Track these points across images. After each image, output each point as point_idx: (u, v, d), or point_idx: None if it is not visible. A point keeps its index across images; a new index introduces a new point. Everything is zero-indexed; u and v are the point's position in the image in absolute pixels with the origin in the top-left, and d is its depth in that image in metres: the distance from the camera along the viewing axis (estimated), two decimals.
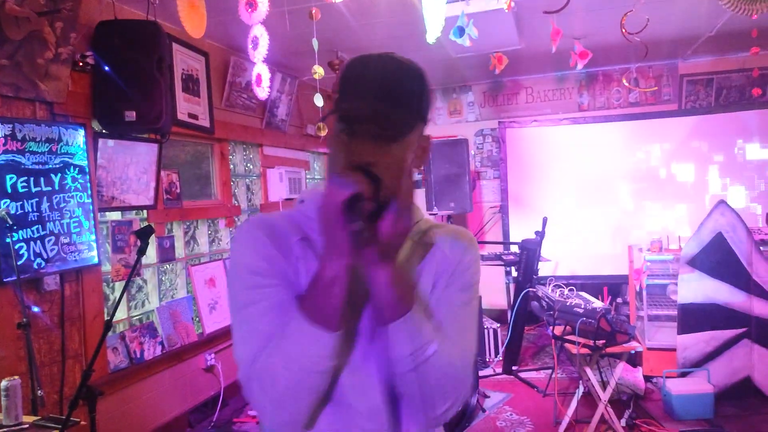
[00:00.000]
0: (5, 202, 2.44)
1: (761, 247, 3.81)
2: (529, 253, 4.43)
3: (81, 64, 2.84)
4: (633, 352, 3.27)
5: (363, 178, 0.82)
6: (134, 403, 3.18)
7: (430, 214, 5.01)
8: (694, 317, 3.80)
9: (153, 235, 3.02)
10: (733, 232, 3.77)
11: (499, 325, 4.80)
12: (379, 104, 0.87)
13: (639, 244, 4.34)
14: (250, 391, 0.89)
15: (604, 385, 3.30)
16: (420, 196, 5.40)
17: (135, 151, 3.25)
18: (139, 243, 2.09)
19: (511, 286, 4.99)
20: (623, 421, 3.38)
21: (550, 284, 3.77)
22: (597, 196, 5.42)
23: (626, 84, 4.83)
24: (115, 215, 3.23)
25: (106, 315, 3.02)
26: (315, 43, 2.87)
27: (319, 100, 3.11)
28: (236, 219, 4.42)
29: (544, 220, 4.60)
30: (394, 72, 0.90)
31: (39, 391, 2.25)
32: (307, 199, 1.02)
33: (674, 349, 3.85)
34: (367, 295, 0.92)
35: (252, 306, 0.91)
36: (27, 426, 2.03)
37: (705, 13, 3.84)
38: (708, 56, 5.28)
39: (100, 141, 3.02)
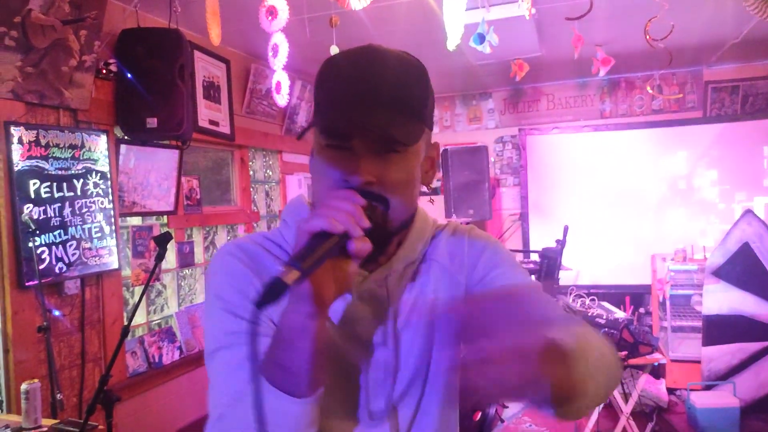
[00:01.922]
0: (28, 207, 2.48)
1: None
2: (550, 262, 4.37)
3: (104, 71, 2.88)
4: (656, 363, 3.21)
5: (362, 200, 0.66)
6: (152, 407, 3.19)
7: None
8: (719, 329, 3.71)
9: (172, 241, 3.04)
10: (760, 242, 3.68)
11: None
12: (376, 110, 0.71)
13: (662, 254, 4.26)
14: None
15: (626, 397, 3.23)
16: (439, 203, 5.37)
17: (156, 157, 3.28)
18: (158, 249, 2.10)
19: None
20: None
21: (571, 294, 3.72)
22: (619, 205, 5.34)
23: (650, 91, 4.76)
24: (136, 220, 3.27)
25: (125, 319, 3.04)
26: (334, 50, 2.87)
27: None
28: (255, 225, 4.43)
29: (566, 229, 4.54)
30: (391, 69, 0.74)
31: (58, 395, 2.27)
32: (290, 221, 0.86)
33: (699, 361, 3.77)
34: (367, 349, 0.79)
35: (227, 350, 0.76)
36: (46, 429, 2.05)
37: (731, 19, 3.77)
38: (733, 63, 5.18)
39: (122, 147, 3.05)
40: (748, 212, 3.75)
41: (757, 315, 3.65)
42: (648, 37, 3.00)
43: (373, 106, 0.72)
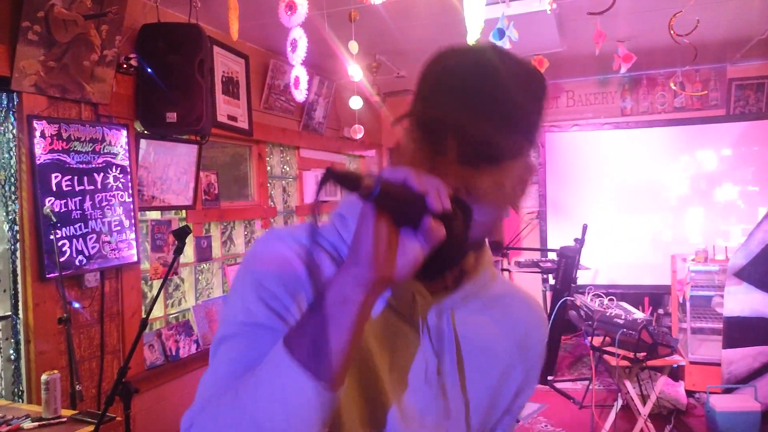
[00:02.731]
0: (50, 200, 2.51)
1: None
2: (568, 261, 4.34)
3: (125, 66, 2.90)
4: (675, 365, 3.16)
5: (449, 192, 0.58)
6: (169, 399, 3.23)
7: None
8: (740, 331, 3.64)
9: (190, 235, 3.06)
10: None
11: None
12: (482, 114, 0.65)
13: (682, 254, 4.20)
14: None
15: (644, 398, 3.19)
16: None
17: (175, 151, 3.31)
18: (176, 242, 2.11)
19: (548, 294, 4.89)
20: None
21: (589, 293, 3.68)
22: (639, 204, 5.27)
23: (674, 87, 4.67)
24: (155, 214, 3.29)
25: (143, 312, 3.07)
26: (353, 45, 2.87)
27: (355, 103, 3.10)
28: (272, 220, 4.45)
29: (584, 227, 4.49)
30: (511, 74, 0.67)
31: (78, 386, 2.30)
32: (351, 219, 0.73)
33: (719, 364, 3.70)
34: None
35: (246, 338, 0.66)
36: (65, 420, 2.08)
37: (757, 15, 3.69)
38: (759, 60, 5.07)
39: (142, 141, 3.08)
40: None
41: None
42: (673, 32, 2.95)
43: (480, 109, 0.65)
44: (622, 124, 5.45)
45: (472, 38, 2.70)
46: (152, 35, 2.96)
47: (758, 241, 3.65)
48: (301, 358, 0.57)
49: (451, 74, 0.68)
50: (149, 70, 2.92)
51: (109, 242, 2.80)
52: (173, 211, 3.43)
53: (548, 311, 4.52)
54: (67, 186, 2.60)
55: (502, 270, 5.32)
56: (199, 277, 3.75)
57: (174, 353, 3.27)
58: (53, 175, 2.54)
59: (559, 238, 5.13)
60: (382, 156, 6.50)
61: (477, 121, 0.64)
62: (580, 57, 4.67)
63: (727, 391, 3.59)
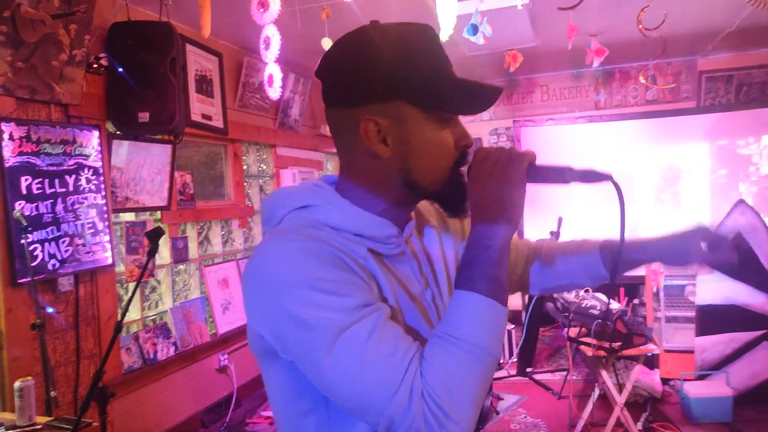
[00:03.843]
0: (20, 204, 2.46)
1: None
2: None
3: (95, 65, 2.86)
4: (650, 354, 3.22)
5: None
6: (148, 403, 3.19)
7: None
8: (713, 319, 3.72)
9: (165, 236, 3.02)
10: (753, 232, 3.69)
11: (513, 326, 4.75)
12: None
13: None
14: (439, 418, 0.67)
15: (620, 387, 3.24)
16: None
17: (149, 152, 3.27)
18: (150, 244, 2.09)
19: None
20: (640, 425, 3.33)
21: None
22: (613, 195, 5.33)
23: (644, 81, 4.75)
24: (129, 216, 3.25)
25: (119, 315, 3.03)
26: (326, 42, 2.86)
27: None
28: (250, 220, 4.42)
29: (560, 220, 4.54)
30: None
31: (53, 392, 2.27)
32: (322, 202, 0.82)
33: (692, 352, 3.78)
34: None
35: (360, 324, 0.70)
36: (40, 427, 2.04)
37: (725, 9, 3.76)
38: (728, 52, 5.18)
39: (114, 142, 3.03)
40: (741, 202, 3.75)
41: (750, 305, 3.66)
42: (641, 26, 2.99)
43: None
44: (595, 117, 5.52)
45: (445, 34, 2.71)
46: (122, 34, 2.91)
47: (728, 230, 3.73)
48: (491, 295, 0.74)
49: (441, 54, 0.82)
50: (120, 69, 2.88)
51: (83, 245, 2.76)
52: (148, 213, 3.39)
53: (526, 304, 4.57)
54: (37, 189, 2.55)
55: None
56: (176, 279, 3.71)
57: (152, 356, 3.23)
58: (23, 178, 2.49)
59: (536, 231, 5.18)
60: None
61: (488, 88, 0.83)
62: (553, 52, 4.72)
63: (701, 377, 3.67)
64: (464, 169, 0.85)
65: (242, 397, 3.96)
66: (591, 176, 0.83)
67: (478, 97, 0.81)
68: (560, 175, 0.82)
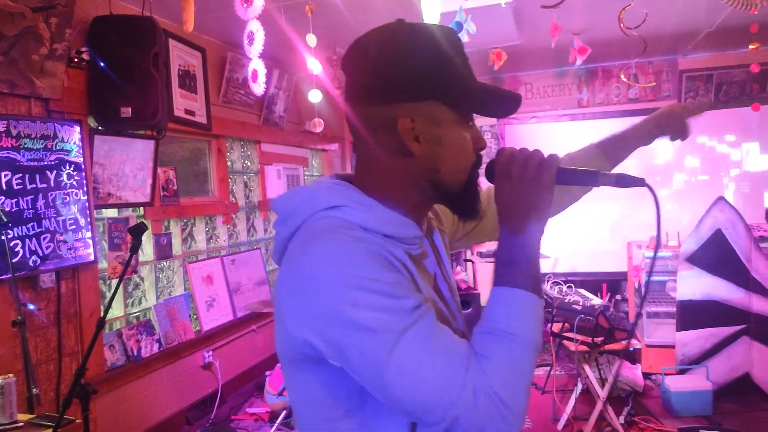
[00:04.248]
0: (0, 200, 2.43)
1: (760, 244, 3.80)
2: None
3: (76, 60, 2.83)
4: (632, 349, 3.27)
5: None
6: (132, 400, 3.17)
7: None
8: (693, 314, 3.79)
9: (148, 232, 2.99)
10: (732, 228, 3.76)
11: None
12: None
13: (638, 241, 4.33)
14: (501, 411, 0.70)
15: (602, 382, 3.29)
16: None
17: (131, 147, 3.24)
18: (132, 240, 2.07)
19: None
20: (622, 418, 3.38)
21: (548, 281, 3.76)
22: (596, 193, 5.37)
23: (624, 80, 4.81)
24: (112, 212, 3.22)
25: (102, 312, 3.01)
26: (311, 38, 2.85)
27: (314, 97, 3.09)
28: (234, 216, 4.40)
29: None
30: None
31: (34, 389, 2.24)
32: (351, 202, 0.81)
33: (673, 346, 3.84)
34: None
35: (418, 326, 0.71)
36: (21, 424, 2.02)
37: (704, 8, 3.81)
38: (708, 52, 5.25)
39: (96, 137, 3.00)
40: (721, 199, 3.82)
41: (729, 300, 3.73)
42: (622, 25, 3.03)
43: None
44: (578, 115, 5.57)
45: None
46: (104, 28, 2.88)
47: (708, 228, 3.79)
48: (535, 290, 0.78)
49: (461, 51, 0.82)
50: (102, 64, 2.85)
51: (65, 241, 2.73)
52: (131, 209, 3.36)
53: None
54: (18, 184, 2.52)
55: (465, 261, 5.39)
56: (160, 276, 3.69)
57: (135, 353, 3.21)
58: (3, 174, 2.46)
59: None
60: (345, 149, 6.49)
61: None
62: (537, 50, 4.75)
63: (681, 372, 3.74)
64: (481, 169, 0.88)
65: (227, 394, 3.94)
66: (625, 181, 0.87)
67: (507, 101, 0.85)
68: (592, 178, 0.85)
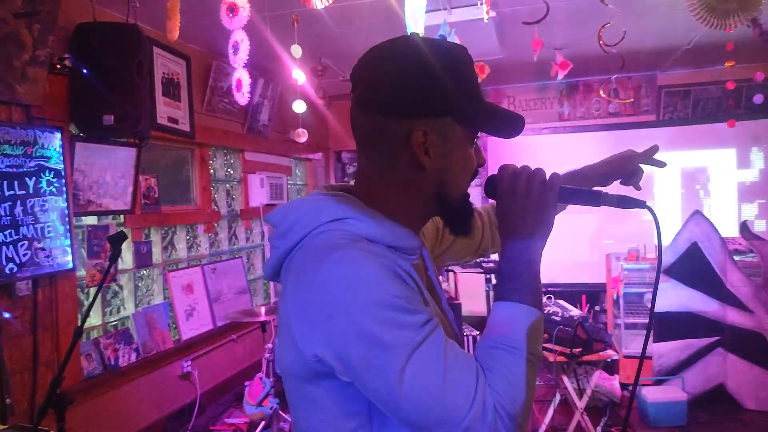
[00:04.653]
0: None
1: (735, 257, 3.88)
2: None
3: (59, 66, 2.81)
4: (609, 360, 3.31)
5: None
6: (109, 410, 3.13)
7: None
8: (669, 325, 3.84)
9: (128, 240, 2.97)
10: (708, 241, 3.83)
11: (478, 332, 4.80)
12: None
13: (617, 253, 4.39)
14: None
15: (580, 392, 3.32)
16: None
17: (113, 155, 3.22)
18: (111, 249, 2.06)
19: (491, 294, 5.01)
20: (599, 429, 3.41)
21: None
22: (576, 206, 5.47)
23: (603, 95, 4.90)
24: (92, 220, 3.19)
25: (79, 321, 2.97)
26: (296, 49, 2.87)
27: (298, 107, 3.10)
28: (216, 225, 4.38)
29: None
30: None
31: (8, 399, 2.21)
32: (360, 215, 0.81)
33: (650, 357, 3.90)
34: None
35: (430, 341, 0.72)
36: None
37: (682, 27, 3.91)
38: (685, 68, 5.37)
39: (78, 144, 2.98)
40: (697, 213, 3.90)
41: (704, 312, 3.80)
42: (602, 42, 3.09)
43: None
44: (559, 128, 5.65)
45: None
46: (88, 35, 2.87)
47: (684, 240, 3.87)
48: (538, 305, 0.81)
49: (473, 70, 0.85)
50: (85, 70, 2.84)
51: (42, 249, 2.70)
52: (111, 216, 3.33)
53: (489, 309, 4.63)
54: None
55: (447, 271, 5.41)
56: (139, 284, 3.65)
57: (113, 362, 3.17)
58: None
59: None
60: (329, 159, 6.50)
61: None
62: (519, 64, 4.82)
63: (658, 382, 3.78)
64: (478, 183, 0.91)
65: (206, 404, 3.91)
66: (626, 202, 0.90)
67: (514, 123, 0.88)
68: (595, 198, 0.88)
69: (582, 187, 0.91)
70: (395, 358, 0.69)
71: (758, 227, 5.03)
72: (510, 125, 0.88)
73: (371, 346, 0.70)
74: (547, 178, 0.86)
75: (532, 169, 0.87)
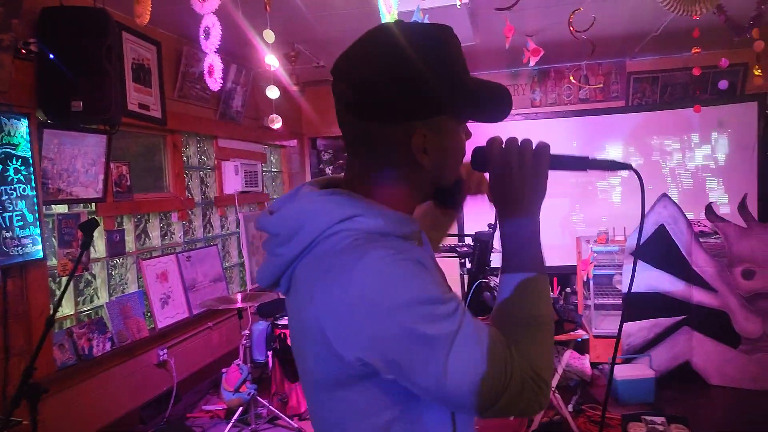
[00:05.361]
0: None
1: (700, 239, 4.00)
2: (483, 245, 4.51)
3: (24, 51, 2.74)
4: (580, 339, 3.39)
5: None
6: (84, 400, 3.11)
7: None
8: (637, 306, 3.96)
9: (100, 228, 2.94)
10: (675, 224, 3.94)
11: None
12: None
13: (587, 236, 4.49)
14: (541, 391, 0.77)
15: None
16: None
17: (83, 142, 3.16)
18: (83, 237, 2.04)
19: (465, 278, 5.08)
20: (571, 407, 3.50)
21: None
22: (548, 189, 5.55)
23: (573, 81, 4.97)
24: (62, 208, 3.14)
25: (51, 311, 2.93)
26: (268, 33, 2.85)
27: (271, 93, 3.08)
28: (190, 212, 4.35)
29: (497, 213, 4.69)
30: None
31: None
32: (370, 209, 0.80)
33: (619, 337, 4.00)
34: None
35: (465, 326, 0.74)
36: None
37: (650, 13, 3.98)
38: (654, 55, 5.47)
39: (46, 132, 2.92)
40: (664, 196, 4.00)
41: (671, 292, 3.92)
42: (572, 28, 3.14)
43: None
44: (531, 114, 5.72)
45: None
46: (54, 19, 2.80)
47: (652, 223, 3.97)
48: (541, 271, 0.86)
49: (462, 55, 0.83)
50: (51, 56, 2.77)
51: (12, 238, 2.65)
52: (82, 205, 3.28)
53: (465, 294, 4.70)
54: None
55: None
56: (113, 273, 3.61)
57: (87, 352, 3.15)
58: None
59: (475, 224, 5.33)
60: (304, 146, 6.47)
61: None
62: (491, 50, 4.86)
63: (626, 361, 3.90)
64: (467, 159, 0.91)
65: (182, 392, 3.90)
66: (612, 165, 0.93)
67: (503, 104, 0.87)
68: (582, 163, 0.90)
69: (567, 154, 0.92)
70: (439, 350, 0.71)
71: (723, 209, 5.18)
72: (499, 108, 0.87)
73: (416, 343, 0.71)
74: (534, 147, 0.87)
75: (519, 140, 0.87)
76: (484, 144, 0.90)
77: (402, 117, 0.80)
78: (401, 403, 0.80)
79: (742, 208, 3.92)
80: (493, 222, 4.65)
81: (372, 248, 0.74)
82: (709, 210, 3.98)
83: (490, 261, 4.53)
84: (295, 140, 6.22)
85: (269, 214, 0.85)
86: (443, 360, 0.71)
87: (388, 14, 2.76)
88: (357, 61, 0.81)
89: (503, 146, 0.88)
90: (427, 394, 0.75)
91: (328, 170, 6.59)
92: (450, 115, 0.83)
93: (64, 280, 3.10)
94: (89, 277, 3.44)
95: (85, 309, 3.38)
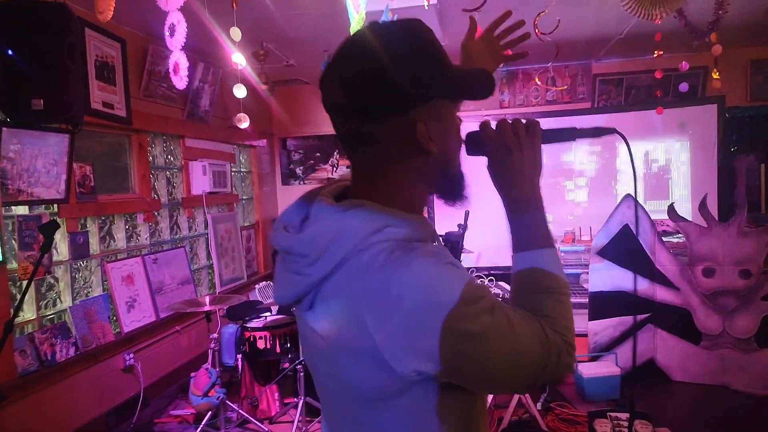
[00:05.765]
0: None
1: (663, 238, 4.10)
2: (453, 245, 4.55)
3: None
4: None
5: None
6: (47, 407, 3.02)
7: None
8: (603, 304, 4.03)
9: (62, 230, 2.86)
10: (639, 224, 4.03)
11: None
12: None
13: (553, 236, 4.56)
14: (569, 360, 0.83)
15: None
16: None
17: (44, 141, 3.08)
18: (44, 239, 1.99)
19: None
20: (539, 405, 3.55)
21: (472, 274, 3.89)
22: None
23: (538, 83, 5.05)
24: (22, 209, 3.05)
25: (11, 315, 2.84)
26: (235, 31, 2.82)
27: (239, 92, 3.05)
28: (156, 214, 4.27)
29: (466, 214, 4.73)
30: None
31: None
32: (390, 224, 0.80)
33: (586, 335, 4.08)
34: None
35: (499, 310, 0.79)
36: None
37: (614, 17, 4.06)
38: (618, 57, 5.59)
39: (4, 131, 2.83)
40: (628, 197, 4.08)
41: (636, 291, 4.01)
42: (537, 30, 3.18)
43: None
44: (500, 116, 5.78)
45: (354, 29, 2.75)
46: (12, 14, 2.71)
47: (616, 223, 4.05)
48: (550, 244, 0.90)
49: (438, 41, 0.84)
50: (10, 52, 2.69)
51: None
52: (44, 206, 3.19)
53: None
54: None
55: None
56: (76, 276, 3.52)
57: (49, 358, 3.06)
58: None
59: (445, 224, 5.36)
60: (274, 146, 6.42)
61: None
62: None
63: (593, 359, 3.97)
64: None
65: (150, 397, 3.83)
66: (597, 132, 0.96)
67: (489, 82, 0.87)
68: (571, 134, 0.95)
69: (555, 127, 0.95)
70: (489, 346, 0.76)
71: (685, 209, 5.32)
72: (485, 83, 0.87)
73: (469, 344, 0.75)
74: (525, 123, 0.90)
75: (510, 121, 0.90)
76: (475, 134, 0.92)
77: (400, 105, 0.80)
78: (438, 407, 0.82)
79: (703, 207, 4.03)
80: (462, 222, 4.69)
81: (412, 258, 0.75)
82: (671, 210, 4.08)
83: (460, 261, 4.57)
84: (265, 140, 6.16)
85: (285, 230, 0.85)
86: (493, 354, 0.76)
87: (356, 14, 2.76)
88: (344, 64, 0.82)
89: (498, 129, 0.90)
90: (488, 388, 0.84)
91: (299, 170, 6.55)
92: (443, 94, 0.83)
93: (26, 283, 3.01)
94: (52, 281, 3.35)
95: (48, 313, 3.29)
